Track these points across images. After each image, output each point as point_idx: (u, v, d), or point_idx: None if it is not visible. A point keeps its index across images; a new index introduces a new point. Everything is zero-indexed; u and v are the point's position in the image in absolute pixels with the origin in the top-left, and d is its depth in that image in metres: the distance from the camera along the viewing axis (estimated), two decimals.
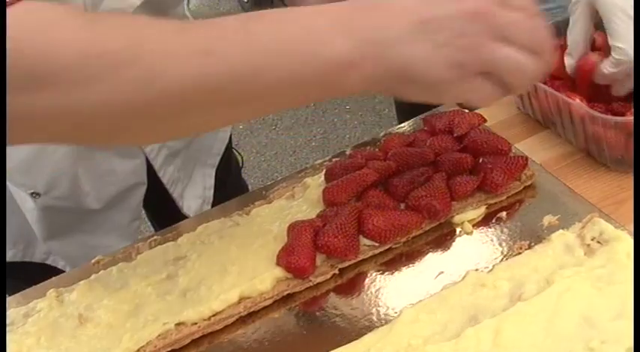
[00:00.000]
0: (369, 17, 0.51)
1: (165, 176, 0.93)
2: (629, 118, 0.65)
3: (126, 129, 0.51)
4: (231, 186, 1.08)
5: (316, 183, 0.76)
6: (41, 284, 0.73)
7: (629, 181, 0.69)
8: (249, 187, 1.24)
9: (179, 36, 0.49)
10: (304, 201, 0.74)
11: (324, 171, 0.75)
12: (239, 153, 1.15)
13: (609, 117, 0.66)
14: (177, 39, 0.48)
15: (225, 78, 0.49)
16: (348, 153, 0.80)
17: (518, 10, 0.52)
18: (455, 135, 0.74)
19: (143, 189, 0.91)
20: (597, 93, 0.73)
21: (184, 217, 0.96)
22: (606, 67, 0.70)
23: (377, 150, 0.77)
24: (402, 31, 0.50)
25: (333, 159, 0.79)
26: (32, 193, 0.82)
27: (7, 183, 0.83)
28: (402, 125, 0.84)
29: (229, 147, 1.08)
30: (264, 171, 2.40)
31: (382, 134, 0.82)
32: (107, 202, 0.88)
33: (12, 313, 0.68)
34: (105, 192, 0.87)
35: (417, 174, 0.70)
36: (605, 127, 0.68)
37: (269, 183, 0.79)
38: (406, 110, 1.28)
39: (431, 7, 0.51)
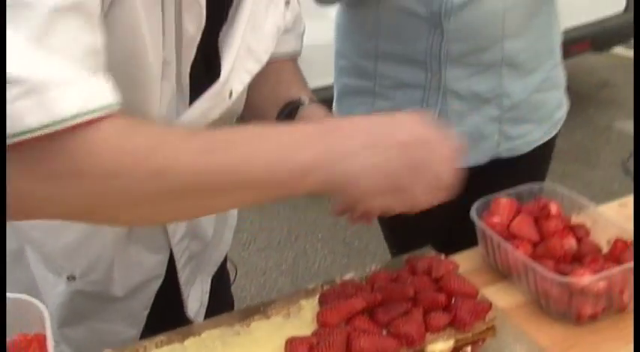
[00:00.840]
0: (329, 136, 0.70)
1: (183, 276, 1.02)
2: (571, 279, 0.80)
3: (134, 211, 0.67)
4: (221, 296, 1.17)
5: (310, 305, 0.87)
6: None
7: (573, 333, 0.83)
8: None
9: (192, 138, 0.67)
10: (299, 320, 0.85)
11: (319, 295, 0.88)
12: (235, 267, 1.25)
13: (554, 276, 0.81)
14: (189, 140, 0.66)
15: (218, 171, 0.66)
16: (338, 281, 0.92)
17: (443, 153, 0.72)
18: (432, 276, 0.88)
19: (159, 282, 1.00)
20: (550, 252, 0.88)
21: (186, 317, 1.05)
22: None
23: (365, 282, 0.90)
24: (350, 149, 0.69)
25: (324, 286, 0.92)
26: (68, 276, 0.91)
27: (36, 269, 0.91)
28: (387, 263, 0.97)
29: (225, 260, 1.19)
30: (233, 289, 2.47)
31: (371, 269, 0.95)
32: (129, 291, 0.97)
33: None
34: (130, 281, 0.96)
35: (399, 306, 0.83)
36: (552, 284, 0.82)
37: (266, 301, 0.91)
38: (397, 246, 1.45)
39: (374, 134, 0.71)
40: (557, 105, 1.30)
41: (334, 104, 1.37)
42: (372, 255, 2.56)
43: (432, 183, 0.72)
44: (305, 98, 0.93)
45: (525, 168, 1.28)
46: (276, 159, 0.68)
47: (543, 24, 1.22)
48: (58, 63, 0.59)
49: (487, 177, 1.17)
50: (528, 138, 1.26)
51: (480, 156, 1.25)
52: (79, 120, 0.59)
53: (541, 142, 1.28)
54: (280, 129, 0.72)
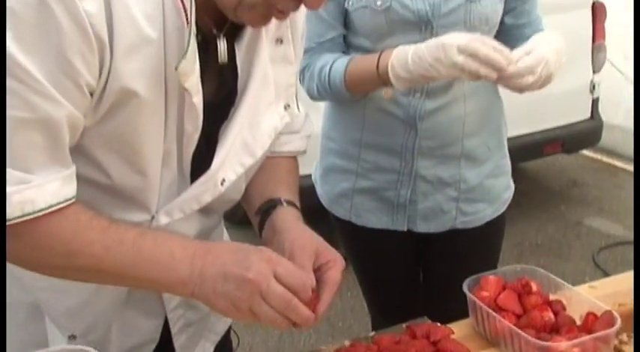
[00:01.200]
0: (197, 260, 0.86)
1: (178, 342, 1.09)
2: (551, 344, 0.94)
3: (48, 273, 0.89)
4: None
5: None
6: None
7: None
8: None
9: (107, 232, 0.84)
10: None
11: None
12: (237, 336, 1.33)
13: (536, 341, 0.95)
14: (105, 232, 0.84)
15: (118, 265, 0.85)
16: (347, 344, 1.05)
17: (286, 284, 0.85)
18: (431, 340, 1.01)
19: (153, 346, 1.07)
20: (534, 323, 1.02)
21: None
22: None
23: (371, 344, 1.03)
24: (211, 276, 0.85)
25: (333, 349, 1.04)
26: (69, 336, 1.00)
27: (49, 325, 1.00)
28: (389, 329, 1.11)
29: (229, 330, 1.26)
30: None
31: (373, 334, 1.08)
32: None
33: None
34: (126, 343, 1.04)
35: None
36: (534, 349, 0.96)
37: None
38: (379, 321, 1.58)
39: (229, 265, 0.85)
40: (505, 188, 1.56)
41: (318, 179, 1.58)
42: (356, 335, 2.65)
43: (270, 312, 0.86)
44: (284, 200, 1.03)
45: (479, 239, 1.53)
46: (165, 268, 0.86)
47: (494, 125, 1.50)
48: (8, 174, 0.77)
49: (445, 243, 1.51)
50: (481, 214, 1.51)
51: (440, 226, 1.49)
52: (18, 220, 0.79)
53: (492, 218, 1.52)
54: (174, 242, 0.88)
